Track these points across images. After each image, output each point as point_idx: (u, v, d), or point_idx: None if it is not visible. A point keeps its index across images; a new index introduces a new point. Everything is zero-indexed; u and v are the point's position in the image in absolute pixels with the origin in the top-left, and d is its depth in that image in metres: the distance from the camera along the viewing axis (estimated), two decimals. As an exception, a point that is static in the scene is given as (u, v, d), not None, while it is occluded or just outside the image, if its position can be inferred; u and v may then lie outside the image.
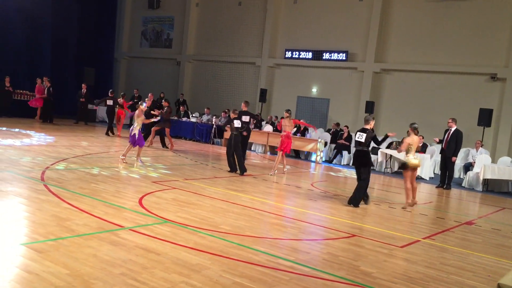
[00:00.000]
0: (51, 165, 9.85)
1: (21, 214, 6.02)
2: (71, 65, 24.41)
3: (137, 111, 11.44)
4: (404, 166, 9.53)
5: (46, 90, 19.99)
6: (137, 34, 28.06)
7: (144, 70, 27.17)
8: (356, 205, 9.10)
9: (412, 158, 9.51)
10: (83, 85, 21.25)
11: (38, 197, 7.04)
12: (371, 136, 9.15)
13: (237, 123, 11.59)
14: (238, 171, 11.67)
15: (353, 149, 15.11)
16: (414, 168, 9.56)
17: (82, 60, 24.52)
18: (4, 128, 15.53)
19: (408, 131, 9.70)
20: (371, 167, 9.91)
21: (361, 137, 9.11)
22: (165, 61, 26.56)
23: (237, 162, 11.69)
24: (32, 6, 21.78)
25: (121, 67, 28.39)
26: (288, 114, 12.48)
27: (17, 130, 15.68)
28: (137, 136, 11.14)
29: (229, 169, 11.83)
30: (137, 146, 11.29)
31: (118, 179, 9.23)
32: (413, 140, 9.52)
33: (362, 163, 9.15)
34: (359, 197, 9.18)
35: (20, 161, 9.84)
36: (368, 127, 9.21)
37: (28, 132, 15.50)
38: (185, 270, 4.71)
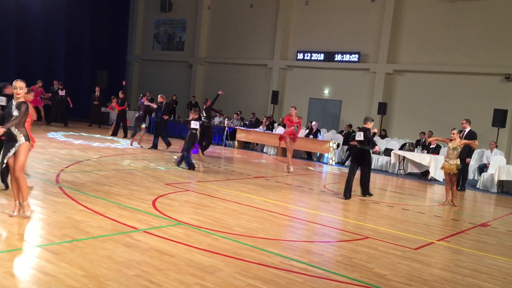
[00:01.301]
0: (66, 167, 9.96)
1: (36, 216, 6.10)
2: (84, 68, 24.66)
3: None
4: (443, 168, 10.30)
5: (54, 93, 20.05)
6: (149, 37, 28.26)
7: (157, 72, 27.34)
8: (369, 193, 10.21)
9: (445, 161, 10.17)
10: (96, 88, 21.46)
11: (53, 200, 7.12)
12: (369, 135, 9.77)
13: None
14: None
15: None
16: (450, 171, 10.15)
17: (95, 63, 24.76)
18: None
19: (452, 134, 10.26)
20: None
21: (360, 135, 9.77)
22: (177, 64, 26.71)
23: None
24: (46, 10, 22.07)
25: (134, 70, 28.62)
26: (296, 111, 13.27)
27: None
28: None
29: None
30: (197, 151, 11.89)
31: (131, 181, 9.30)
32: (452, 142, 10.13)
33: (364, 161, 9.94)
34: (367, 186, 10.18)
35: (35, 164, 9.96)
36: (366, 126, 9.84)
37: (42, 134, 15.67)
38: (199, 272, 4.74)
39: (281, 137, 13.59)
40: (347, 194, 9.83)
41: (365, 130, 9.78)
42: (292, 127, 12.95)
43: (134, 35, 28.29)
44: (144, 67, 28.61)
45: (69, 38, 23.54)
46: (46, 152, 11.97)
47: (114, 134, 17.96)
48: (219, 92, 15.14)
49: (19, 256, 4.78)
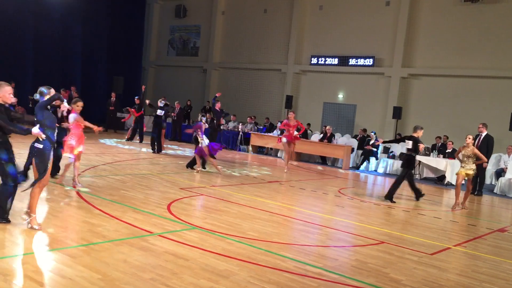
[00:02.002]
0: (82, 172, 10.08)
1: (54, 220, 6.18)
2: (101, 74, 24.96)
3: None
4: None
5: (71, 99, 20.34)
6: (164, 43, 28.50)
7: (171, 78, 27.54)
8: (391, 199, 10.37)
9: (461, 167, 10.37)
10: (112, 93, 21.70)
11: (70, 204, 7.22)
12: (418, 143, 10.32)
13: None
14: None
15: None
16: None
17: (111, 69, 25.05)
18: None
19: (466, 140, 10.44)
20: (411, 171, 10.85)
21: (409, 144, 10.44)
22: (191, 69, 26.88)
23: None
24: (62, 18, 22.40)
25: (149, 76, 28.86)
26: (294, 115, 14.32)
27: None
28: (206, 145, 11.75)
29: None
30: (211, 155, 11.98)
31: (146, 185, 9.37)
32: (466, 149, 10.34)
33: (409, 167, 10.57)
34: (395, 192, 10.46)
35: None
36: (416, 135, 10.41)
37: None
38: (214, 276, 4.76)
39: (279, 139, 14.21)
40: (390, 197, 10.38)
41: (414, 139, 10.35)
42: (291, 131, 13.73)
43: (149, 41, 28.56)
44: (159, 72, 28.85)
45: (85, 44, 23.87)
46: (62, 157, 12.10)
47: (130, 139, 18.13)
48: (217, 94, 15.36)
49: (37, 259, 4.85)
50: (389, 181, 14.60)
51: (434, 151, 15.31)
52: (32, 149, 5.66)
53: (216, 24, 25.70)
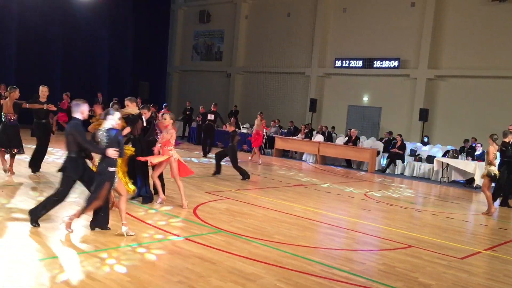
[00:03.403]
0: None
1: (84, 223, 6.30)
2: (127, 79, 25.34)
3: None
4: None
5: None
6: (188, 48, 28.77)
7: (196, 83, 27.76)
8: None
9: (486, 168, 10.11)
10: (138, 99, 21.96)
11: (98, 207, 7.32)
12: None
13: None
14: None
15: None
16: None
17: (137, 75, 25.42)
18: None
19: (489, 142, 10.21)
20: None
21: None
22: (215, 74, 27.05)
23: None
24: (89, 25, 22.84)
25: (174, 81, 29.17)
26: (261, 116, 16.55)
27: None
28: None
29: None
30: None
31: (173, 189, 9.45)
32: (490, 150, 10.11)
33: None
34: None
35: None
36: (506, 140, 10.38)
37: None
38: (240, 279, 4.77)
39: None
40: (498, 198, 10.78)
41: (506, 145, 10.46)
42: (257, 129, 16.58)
43: (174, 47, 28.87)
44: (183, 77, 29.13)
45: (111, 51, 24.29)
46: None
47: (207, 153, 17.98)
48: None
49: (67, 262, 4.95)
50: (415, 184, 14.42)
51: (462, 153, 15.01)
52: (105, 172, 5.73)
53: (239, 29, 25.83)
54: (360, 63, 21.12)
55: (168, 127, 7.82)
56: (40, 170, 9.77)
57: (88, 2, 21.43)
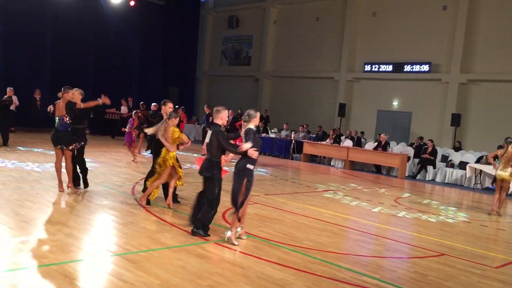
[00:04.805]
0: (140, 180, 10.38)
1: (115, 226, 6.41)
2: (158, 85, 25.68)
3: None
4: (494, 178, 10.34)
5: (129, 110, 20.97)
6: (217, 54, 29.00)
7: (224, 88, 27.95)
8: None
9: (500, 171, 10.31)
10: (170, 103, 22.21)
11: (130, 211, 7.45)
12: None
13: None
14: None
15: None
16: (503, 180, 10.29)
17: (167, 80, 25.75)
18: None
19: (503, 145, 10.44)
20: None
21: None
22: (244, 79, 27.17)
23: None
24: (120, 31, 23.28)
25: (203, 86, 29.43)
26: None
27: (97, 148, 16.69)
28: None
29: None
30: None
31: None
32: (504, 153, 10.24)
33: None
34: None
35: (113, 177, 10.48)
36: None
37: (119, 149, 16.42)
38: (270, 285, 4.76)
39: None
40: None
41: None
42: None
43: (203, 52, 29.16)
44: (212, 82, 29.37)
45: (142, 56, 24.68)
46: (122, 165, 12.56)
47: None
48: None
49: (99, 264, 5.04)
50: (447, 191, 14.12)
51: (496, 160, 14.60)
52: (244, 170, 5.95)
53: (268, 34, 25.90)
54: (390, 68, 20.88)
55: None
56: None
57: (119, 9, 21.89)
